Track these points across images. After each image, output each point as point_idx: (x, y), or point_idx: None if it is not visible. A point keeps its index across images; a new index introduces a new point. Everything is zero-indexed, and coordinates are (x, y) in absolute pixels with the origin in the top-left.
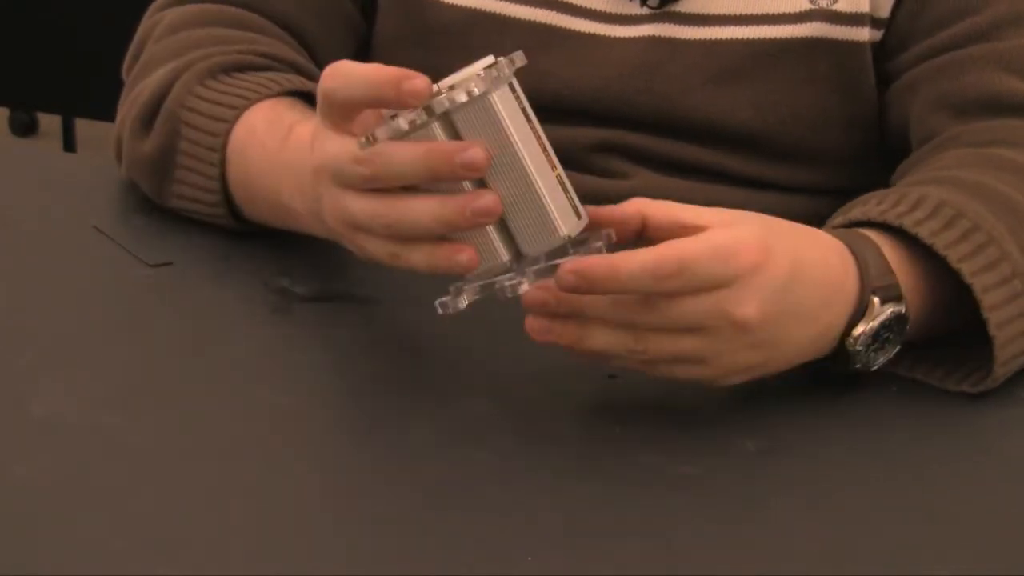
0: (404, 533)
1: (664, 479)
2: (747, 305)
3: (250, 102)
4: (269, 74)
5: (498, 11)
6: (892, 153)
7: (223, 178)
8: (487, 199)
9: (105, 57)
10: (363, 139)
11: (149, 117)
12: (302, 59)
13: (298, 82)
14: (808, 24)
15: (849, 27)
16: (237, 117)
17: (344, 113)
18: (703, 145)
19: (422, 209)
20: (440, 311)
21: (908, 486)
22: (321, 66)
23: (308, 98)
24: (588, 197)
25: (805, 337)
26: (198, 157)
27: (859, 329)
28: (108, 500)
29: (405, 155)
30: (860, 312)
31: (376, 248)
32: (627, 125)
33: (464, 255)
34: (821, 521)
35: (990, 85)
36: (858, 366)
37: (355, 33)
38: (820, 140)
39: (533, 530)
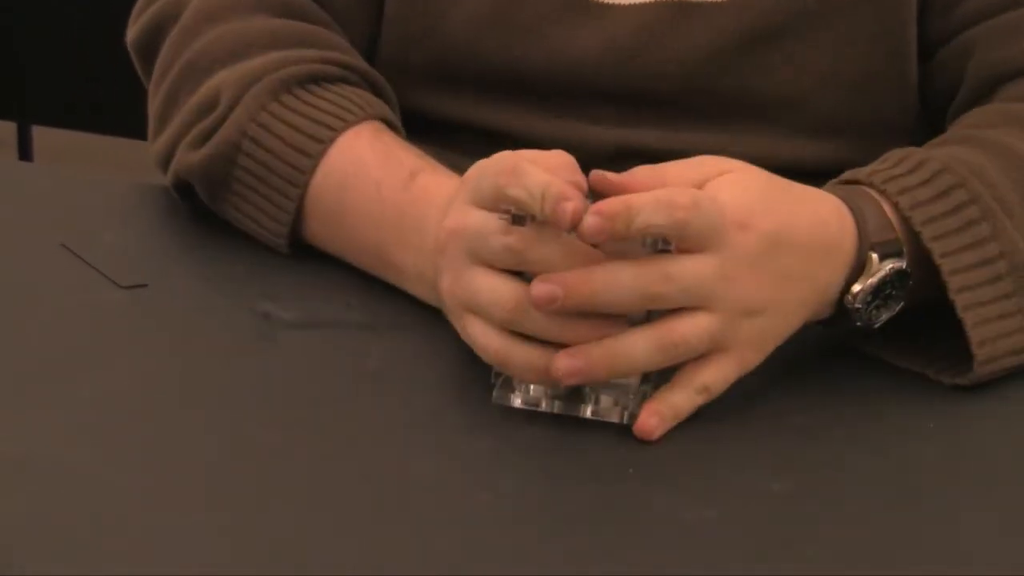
0: None
1: (681, 523)
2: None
3: (336, 132)
4: (349, 92)
5: None
6: (935, 130)
7: (298, 211)
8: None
9: (65, 60)
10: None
11: (213, 130)
12: (366, 64)
13: (380, 108)
14: None
15: None
16: (323, 152)
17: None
18: (726, 129)
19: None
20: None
21: (944, 532)
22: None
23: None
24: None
25: (797, 299)
26: (269, 183)
27: (857, 287)
28: (79, 545)
29: (554, 251)
30: (859, 269)
31: (484, 338)
32: (649, 106)
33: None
34: (851, 569)
35: None
36: (859, 324)
37: (374, 19)
38: (860, 106)
39: None
